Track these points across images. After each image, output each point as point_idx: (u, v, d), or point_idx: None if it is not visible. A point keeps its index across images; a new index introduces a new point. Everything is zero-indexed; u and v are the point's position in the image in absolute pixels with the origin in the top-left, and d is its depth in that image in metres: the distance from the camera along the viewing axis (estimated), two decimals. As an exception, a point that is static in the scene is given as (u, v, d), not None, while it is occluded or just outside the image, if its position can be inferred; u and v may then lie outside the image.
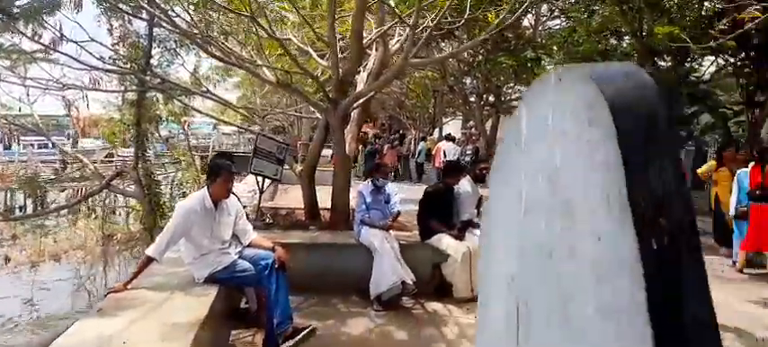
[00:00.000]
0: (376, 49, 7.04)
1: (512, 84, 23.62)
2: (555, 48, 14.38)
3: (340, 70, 6.11)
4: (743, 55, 11.11)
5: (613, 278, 0.78)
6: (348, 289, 5.46)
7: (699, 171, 8.79)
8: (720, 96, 13.41)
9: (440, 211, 5.77)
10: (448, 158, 19.13)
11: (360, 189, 5.64)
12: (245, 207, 5.00)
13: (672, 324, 0.74)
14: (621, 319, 0.78)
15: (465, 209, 6.04)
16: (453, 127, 31.18)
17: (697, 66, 14.14)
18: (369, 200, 5.57)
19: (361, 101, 6.61)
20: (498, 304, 1.19)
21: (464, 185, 6.19)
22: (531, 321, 1.04)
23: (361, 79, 7.06)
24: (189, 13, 6.10)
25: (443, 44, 21.69)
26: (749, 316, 5.34)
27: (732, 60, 11.77)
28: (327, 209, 6.74)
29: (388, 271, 5.06)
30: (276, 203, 9.12)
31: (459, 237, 5.62)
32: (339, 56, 6.10)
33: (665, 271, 0.74)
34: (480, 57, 19.93)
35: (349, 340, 4.45)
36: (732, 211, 7.22)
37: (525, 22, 21.43)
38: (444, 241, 5.58)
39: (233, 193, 5.17)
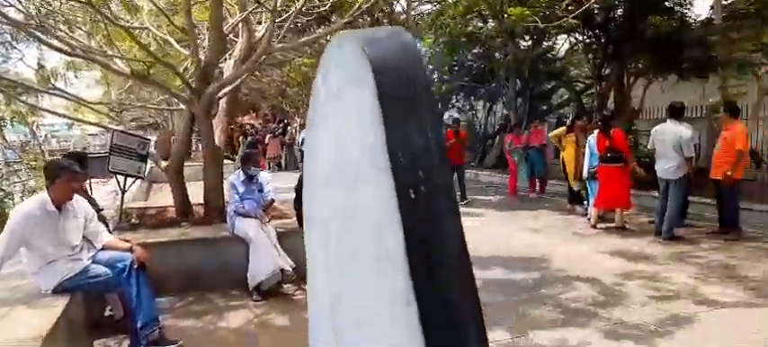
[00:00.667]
0: (242, 36, 6.82)
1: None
2: (425, 30, 14.86)
3: (201, 59, 5.85)
4: (589, 33, 12.25)
5: (383, 230, 0.82)
6: (226, 283, 5.31)
7: (550, 134, 9.63)
8: (573, 72, 14.70)
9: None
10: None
11: (231, 180, 5.47)
12: (101, 210, 4.64)
13: (429, 271, 0.79)
14: (388, 269, 0.82)
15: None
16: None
17: (553, 45, 15.42)
18: (241, 190, 5.42)
19: (227, 90, 6.39)
20: (317, 269, 1.22)
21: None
22: (338, 285, 1.07)
23: (228, 67, 6.82)
24: (21, 2, 5.47)
25: (321, 30, 21.65)
26: (599, 266, 5.97)
27: (581, 38, 12.96)
28: (202, 205, 6.48)
29: (265, 260, 4.98)
30: (149, 203, 8.58)
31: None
32: (200, 44, 5.83)
33: (422, 220, 0.79)
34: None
35: (228, 332, 4.33)
36: (585, 174, 8.01)
37: (398, 7, 21.99)
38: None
39: (89, 195, 4.79)
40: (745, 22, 9.36)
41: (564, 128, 9.46)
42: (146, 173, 6.11)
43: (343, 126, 0.95)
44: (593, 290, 5.13)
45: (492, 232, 8.00)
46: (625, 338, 4.02)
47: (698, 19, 11.45)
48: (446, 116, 20.54)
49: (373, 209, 0.86)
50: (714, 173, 6.88)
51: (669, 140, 6.93)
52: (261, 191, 5.53)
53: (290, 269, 5.03)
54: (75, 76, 9.39)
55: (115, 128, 6.27)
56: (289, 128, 22.85)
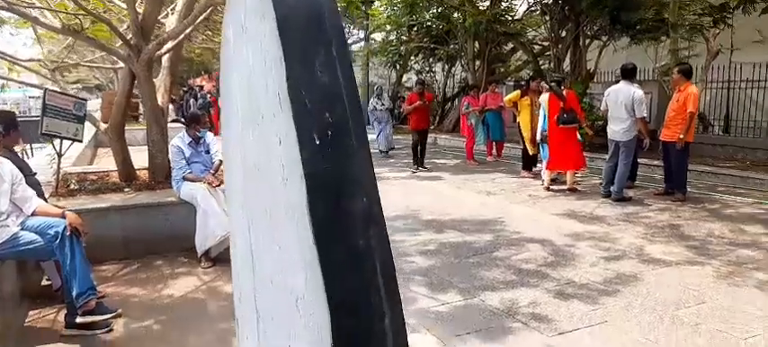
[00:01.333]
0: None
1: (347, 28, 23.65)
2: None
3: (139, 13, 5.49)
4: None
5: (290, 177, 0.71)
6: (174, 249, 5.11)
7: (505, 99, 9.63)
8: (530, 34, 14.69)
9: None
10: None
11: (174, 142, 5.21)
12: (34, 174, 4.33)
13: (332, 222, 0.69)
14: (296, 217, 0.71)
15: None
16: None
17: (511, 6, 15.34)
18: (188, 153, 5.18)
19: (169, 46, 6.04)
20: (236, 222, 1.10)
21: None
22: (254, 234, 0.96)
23: (170, 23, 6.45)
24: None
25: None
26: (551, 227, 6.05)
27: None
28: (146, 169, 6.19)
29: (214, 225, 4.79)
30: (95, 167, 8.19)
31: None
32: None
33: (329, 165, 0.68)
34: None
35: (173, 300, 4.16)
36: (538, 136, 8.04)
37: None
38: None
39: (19, 158, 4.46)
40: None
41: (518, 91, 9.47)
42: (82, 135, 5.75)
43: (251, 63, 0.82)
44: (544, 252, 5.18)
45: (447, 195, 8.01)
46: (574, 297, 4.07)
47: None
48: (405, 78, 20.44)
49: (280, 156, 0.74)
50: (664, 135, 6.99)
51: (621, 101, 7.02)
52: (208, 152, 5.30)
53: (240, 233, 4.86)
54: (11, 34, 8.72)
55: (49, 88, 5.85)
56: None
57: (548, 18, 12.56)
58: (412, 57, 18.99)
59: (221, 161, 5.41)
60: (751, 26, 9.99)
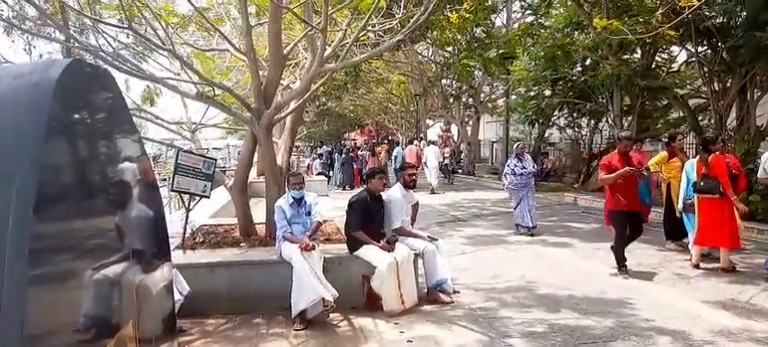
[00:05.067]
0: (308, 54, 6.83)
1: (489, 84, 23.49)
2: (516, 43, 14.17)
3: (260, 79, 5.90)
4: (703, 42, 10.90)
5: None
6: (275, 307, 5.23)
7: (649, 163, 8.55)
8: (688, 88, 13.17)
9: (368, 220, 5.54)
10: (429, 161, 18.93)
11: (278, 203, 5.41)
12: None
13: None
14: None
15: (396, 217, 5.83)
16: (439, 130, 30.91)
17: (669, 58, 13.96)
18: (289, 214, 5.34)
19: (291, 109, 6.39)
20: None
21: (394, 192, 5.98)
22: None
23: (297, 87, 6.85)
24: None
25: (418, 46, 21.63)
26: (692, 316, 5.10)
27: (692, 49, 11.56)
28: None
29: (306, 288, 4.83)
30: (224, 220, 8.86)
31: (388, 247, 5.39)
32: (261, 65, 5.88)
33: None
34: (453, 58, 19.82)
35: (255, 363, 4.21)
36: (680, 205, 7.01)
37: (498, 22, 21.36)
38: (371, 252, 5.36)
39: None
40: None
41: (665, 153, 8.40)
42: (210, 191, 6.26)
43: None
44: (674, 347, 4.35)
45: (573, 266, 7.26)
46: (701, 414, 3.30)
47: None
48: (547, 133, 19.52)
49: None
50: None
51: None
52: (309, 214, 5.41)
53: (331, 298, 4.82)
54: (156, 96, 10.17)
55: (180, 147, 6.52)
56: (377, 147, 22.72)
57: (705, 70, 11.14)
58: (556, 112, 18.13)
59: (319, 223, 5.49)
60: None
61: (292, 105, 6.46)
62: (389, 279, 5.17)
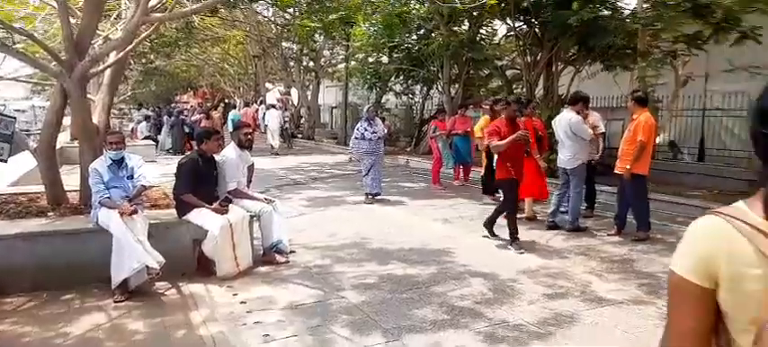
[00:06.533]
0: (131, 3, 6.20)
1: (330, 48, 23.56)
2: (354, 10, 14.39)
3: (72, 28, 5.23)
4: (520, 17, 12.09)
5: None
6: (88, 280, 4.77)
7: (475, 128, 9.35)
8: (507, 59, 14.54)
9: (199, 183, 5.29)
10: (270, 124, 18.56)
11: (93, 165, 4.91)
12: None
13: None
14: None
15: (231, 177, 5.64)
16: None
17: (492, 31, 15.22)
18: (106, 177, 4.87)
19: (111, 62, 5.77)
20: None
21: (228, 152, 5.77)
22: None
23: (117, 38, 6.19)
24: None
25: (257, 6, 20.77)
26: (500, 259, 5.75)
27: (511, 24, 12.78)
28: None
29: (127, 255, 4.48)
30: (28, 189, 7.81)
31: (221, 209, 5.21)
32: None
33: None
34: (294, 20, 19.44)
35: (66, 342, 3.82)
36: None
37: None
38: (202, 215, 5.14)
39: None
40: (667, 11, 9.35)
41: (487, 117, 9.24)
42: (8, 155, 5.44)
43: None
44: (485, 287, 4.90)
45: (403, 222, 7.72)
46: (502, 341, 3.79)
47: (627, 7, 11.44)
48: (384, 99, 20.24)
49: None
50: (617, 168, 6.63)
51: (561, 128, 6.87)
52: (131, 177, 5.00)
53: (157, 265, 4.54)
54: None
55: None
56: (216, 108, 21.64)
57: (521, 43, 12.42)
58: (392, 79, 18.83)
59: (144, 186, 5.11)
60: (724, 55, 9.87)
61: (112, 57, 5.84)
62: (223, 242, 5.03)
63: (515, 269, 5.40)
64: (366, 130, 8.97)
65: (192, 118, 17.86)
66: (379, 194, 9.17)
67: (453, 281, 5.05)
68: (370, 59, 18.09)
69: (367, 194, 9.08)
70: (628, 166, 6.32)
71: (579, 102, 7.11)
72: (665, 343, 1.10)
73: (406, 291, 4.78)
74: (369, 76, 17.66)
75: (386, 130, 9.29)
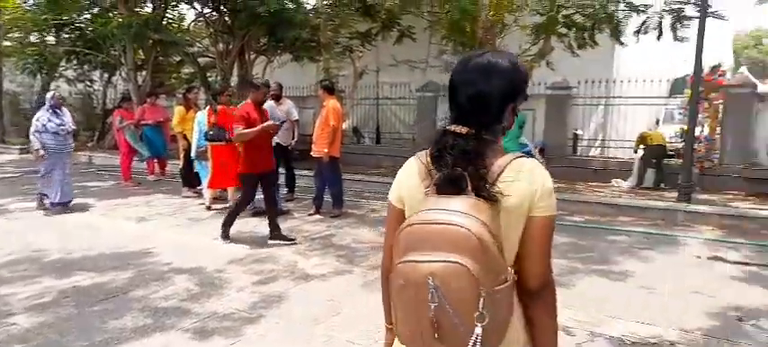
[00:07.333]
0: None
1: None
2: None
3: None
4: (209, 4, 11.78)
5: None
6: None
7: (173, 124, 8.79)
8: (198, 46, 14.05)
9: None
10: None
11: None
12: None
13: None
14: None
15: None
16: None
17: (177, 15, 14.40)
18: None
19: None
20: None
21: None
22: None
23: None
24: None
25: None
26: (203, 252, 5.55)
27: (205, 11, 12.37)
28: None
29: None
30: None
31: None
32: None
33: None
34: None
35: None
36: (193, 153, 7.48)
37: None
38: None
39: None
40: (342, 9, 10.41)
41: (182, 107, 8.77)
42: None
43: None
44: (191, 283, 4.66)
45: (90, 226, 6.77)
46: (214, 333, 3.67)
47: (309, 3, 12.25)
48: (53, 87, 17.25)
49: None
50: (313, 151, 7.11)
51: None
52: None
53: None
54: None
55: None
56: None
57: (212, 30, 12.15)
58: (63, 63, 16.17)
59: None
60: (390, 51, 11.50)
61: None
62: None
63: (222, 260, 5.29)
64: (50, 121, 7.24)
65: None
66: (71, 202, 7.63)
67: (155, 283, 4.65)
68: (33, 39, 15.16)
69: (41, 197, 7.49)
70: (325, 150, 6.83)
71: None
72: (384, 245, 1.49)
73: (97, 303, 4.19)
74: (31, 60, 14.78)
75: (73, 125, 7.65)
